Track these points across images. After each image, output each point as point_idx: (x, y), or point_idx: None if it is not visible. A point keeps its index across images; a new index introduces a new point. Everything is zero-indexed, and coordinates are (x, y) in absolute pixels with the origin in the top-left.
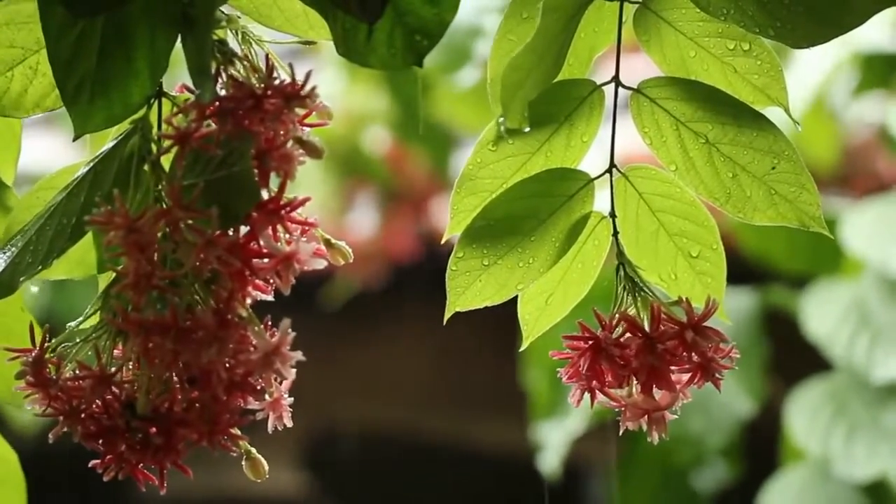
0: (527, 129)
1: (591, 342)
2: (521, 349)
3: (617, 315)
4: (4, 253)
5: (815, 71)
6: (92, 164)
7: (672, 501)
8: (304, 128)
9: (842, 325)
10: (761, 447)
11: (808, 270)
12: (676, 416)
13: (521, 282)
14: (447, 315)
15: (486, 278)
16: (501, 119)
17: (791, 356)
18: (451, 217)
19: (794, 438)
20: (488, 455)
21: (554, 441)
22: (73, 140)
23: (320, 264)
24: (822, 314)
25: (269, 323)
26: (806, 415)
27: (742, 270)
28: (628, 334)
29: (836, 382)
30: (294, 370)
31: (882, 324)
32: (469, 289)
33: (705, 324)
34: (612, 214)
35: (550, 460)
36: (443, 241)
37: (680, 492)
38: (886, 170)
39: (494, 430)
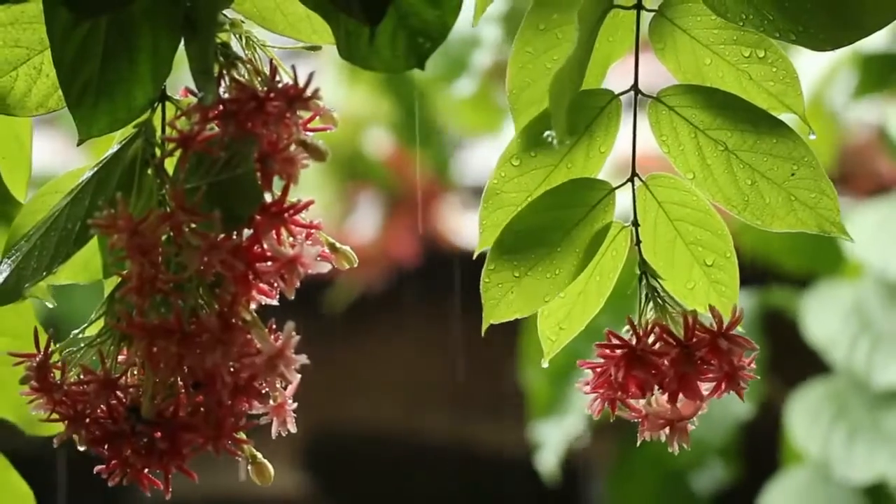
0: (567, 142)
1: (623, 351)
2: (543, 363)
3: (650, 323)
4: (9, 258)
5: (813, 71)
6: (96, 169)
7: (670, 502)
8: (308, 132)
9: (842, 329)
10: (760, 448)
11: (808, 269)
12: (695, 426)
13: (549, 293)
14: (484, 327)
15: (518, 290)
16: (548, 133)
17: (790, 356)
18: (480, 231)
19: (794, 441)
20: (488, 455)
21: (552, 441)
22: (78, 144)
23: (324, 268)
24: (823, 318)
25: (274, 326)
26: (806, 417)
27: (740, 270)
28: (659, 343)
29: (836, 385)
30: (298, 374)
31: (883, 329)
32: (502, 301)
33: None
34: (635, 223)
35: (548, 460)
36: (475, 257)
37: (678, 492)
38: (887, 171)
39: (494, 430)
